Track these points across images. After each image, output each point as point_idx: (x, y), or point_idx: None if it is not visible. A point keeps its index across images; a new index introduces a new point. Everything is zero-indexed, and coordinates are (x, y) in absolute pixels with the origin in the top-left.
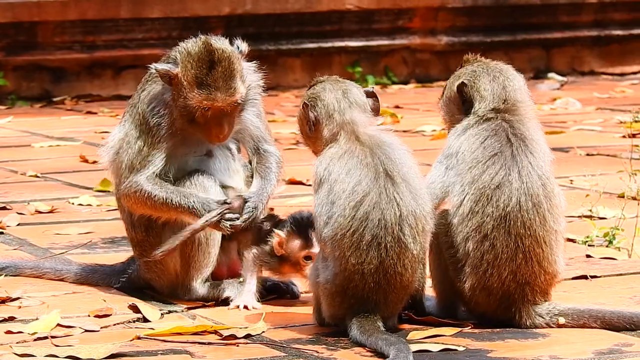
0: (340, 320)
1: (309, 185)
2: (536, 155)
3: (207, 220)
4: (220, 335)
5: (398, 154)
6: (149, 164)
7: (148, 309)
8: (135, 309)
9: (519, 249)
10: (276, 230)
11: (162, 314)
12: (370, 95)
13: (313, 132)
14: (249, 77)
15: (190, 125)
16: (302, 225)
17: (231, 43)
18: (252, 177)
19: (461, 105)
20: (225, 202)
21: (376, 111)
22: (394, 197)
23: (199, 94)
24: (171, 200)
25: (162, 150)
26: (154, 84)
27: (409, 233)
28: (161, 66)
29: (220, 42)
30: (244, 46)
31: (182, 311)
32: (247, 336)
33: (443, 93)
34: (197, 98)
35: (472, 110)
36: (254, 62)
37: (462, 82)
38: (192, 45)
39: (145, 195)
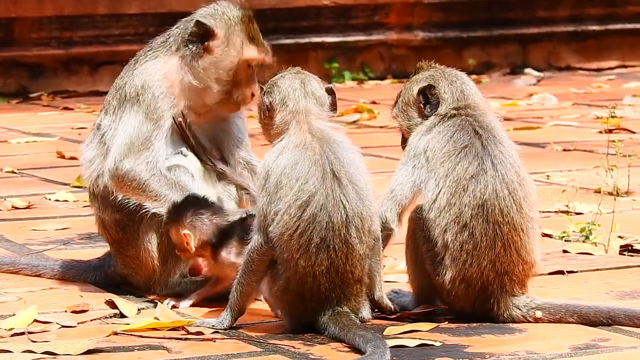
0: (311, 323)
1: None
2: (505, 144)
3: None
4: (188, 331)
5: (346, 153)
6: (152, 148)
7: (124, 304)
8: (112, 304)
9: (498, 236)
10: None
11: (138, 309)
12: (329, 92)
13: (267, 119)
14: None
15: (231, 88)
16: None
17: None
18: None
19: (422, 108)
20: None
21: (333, 108)
22: (341, 199)
23: (254, 49)
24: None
25: (162, 131)
26: (155, 58)
27: (356, 235)
28: (206, 20)
29: None
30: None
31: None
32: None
33: (397, 101)
34: (253, 53)
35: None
36: None
37: (429, 85)
38: (224, 5)
39: (143, 183)
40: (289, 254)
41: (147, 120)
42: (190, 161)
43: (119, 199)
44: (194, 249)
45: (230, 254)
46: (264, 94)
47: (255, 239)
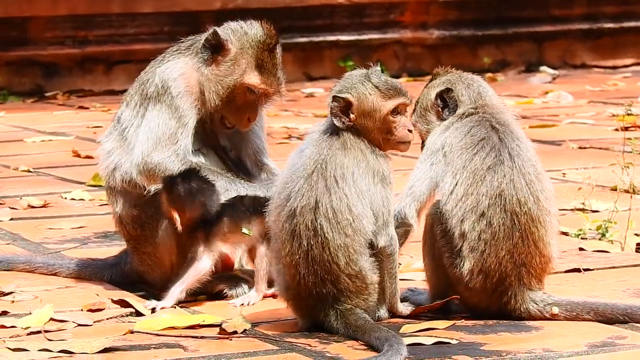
0: (320, 324)
1: None
2: (522, 140)
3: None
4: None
5: (350, 157)
6: (181, 141)
7: (137, 303)
8: (123, 303)
9: (515, 226)
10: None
11: (152, 309)
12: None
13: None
14: None
15: (225, 106)
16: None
17: None
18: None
19: (440, 112)
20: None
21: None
22: (309, 188)
23: (257, 76)
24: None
25: (187, 128)
26: (176, 59)
27: (325, 223)
28: (222, 32)
29: None
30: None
31: (175, 306)
32: (243, 331)
33: (415, 107)
34: (255, 80)
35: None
36: None
37: (447, 88)
38: (249, 26)
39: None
40: (276, 242)
41: (171, 118)
42: (208, 159)
43: (136, 194)
44: (180, 227)
45: (218, 237)
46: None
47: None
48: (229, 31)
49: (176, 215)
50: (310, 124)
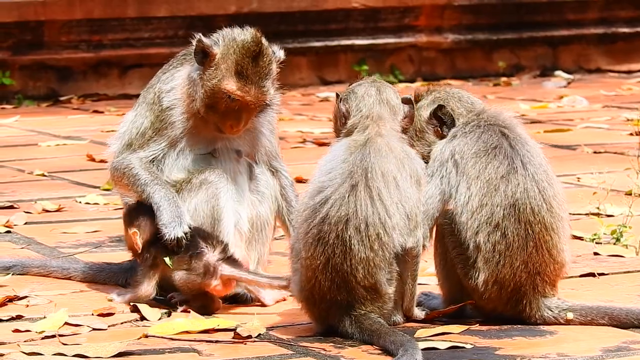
0: (334, 329)
1: None
2: (530, 144)
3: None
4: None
5: (389, 165)
6: (148, 149)
7: (147, 309)
8: (135, 308)
9: (529, 236)
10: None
11: (168, 313)
12: (406, 102)
13: (342, 126)
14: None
15: (209, 111)
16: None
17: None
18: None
19: (439, 130)
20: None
21: (410, 119)
22: (348, 198)
23: (235, 82)
24: (149, 192)
25: (165, 139)
26: (180, 66)
27: (355, 235)
28: (205, 39)
29: (263, 38)
30: (281, 53)
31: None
32: (258, 335)
33: (409, 132)
34: (231, 86)
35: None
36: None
37: (439, 105)
38: (237, 32)
39: (132, 174)
40: (298, 243)
41: (151, 127)
42: (220, 161)
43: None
44: (140, 248)
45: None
46: (341, 101)
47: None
48: (219, 36)
49: (135, 240)
50: (325, 128)
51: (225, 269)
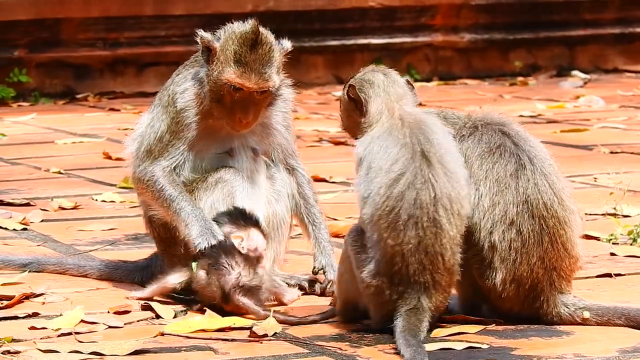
0: (389, 319)
1: (332, 182)
2: (532, 139)
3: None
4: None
5: (437, 135)
6: (168, 155)
7: (161, 307)
8: (149, 306)
9: (544, 231)
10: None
11: (183, 311)
12: (407, 83)
13: (357, 115)
14: (283, 88)
15: (217, 107)
16: (252, 220)
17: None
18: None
19: None
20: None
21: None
22: (429, 177)
23: (234, 70)
24: (175, 207)
25: (183, 142)
26: (191, 68)
27: (444, 214)
28: (205, 34)
29: (266, 30)
30: (288, 44)
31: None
32: (274, 334)
33: None
34: (231, 75)
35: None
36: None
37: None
38: (237, 25)
39: (156, 188)
40: (379, 234)
41: (168, 131)
42: (236, 160)
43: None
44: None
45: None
46: (357, 90)
47: (354, 230)
48: (221, 31)
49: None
50: None
51: (239, 299)
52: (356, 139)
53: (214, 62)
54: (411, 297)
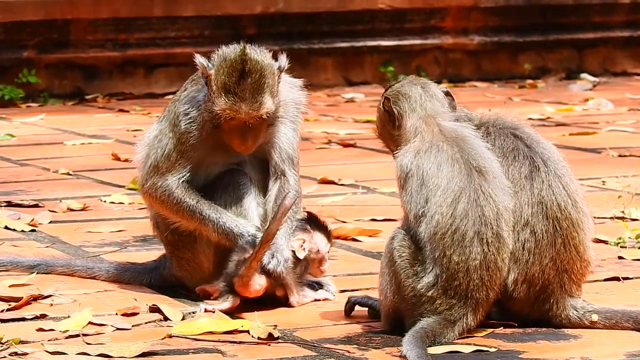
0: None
1: (341, 184)
2: (544, 141)
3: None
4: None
5: (481, 148)
6: (176, 172)
7: (169, 309)
8: (156, 309)
9: (557, 232)
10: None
11: (191, 313)
12: (447, 94)
13: (393, 128)
14: (290, 94)
15: (217, 131)
16: (319, 225)
17: (275, 57)
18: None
19: None
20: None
21: (453, 109)
22: (490, 193)
23: (224, 102)
24: (199, 216)
25: (189, 160)
26: (196, 85)
27: (506, 228)
28: (202, 60)
29: (257, 54)
30: (284, 61)
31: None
32: (282, 336)
33: None
34: (222, 106)
35: None
36: (293, 75)
37: None
38: (230, 50)
39: (175, 200)
40: (441, 251)
41: (174, 150)
42: (246, 170)
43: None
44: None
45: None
46: (390, 103)
47: (400, 238)
48: (215, 55)
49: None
50: (350, 129)
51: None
52: (390, 149)
53: (210, 89)
54: (459, 311)
